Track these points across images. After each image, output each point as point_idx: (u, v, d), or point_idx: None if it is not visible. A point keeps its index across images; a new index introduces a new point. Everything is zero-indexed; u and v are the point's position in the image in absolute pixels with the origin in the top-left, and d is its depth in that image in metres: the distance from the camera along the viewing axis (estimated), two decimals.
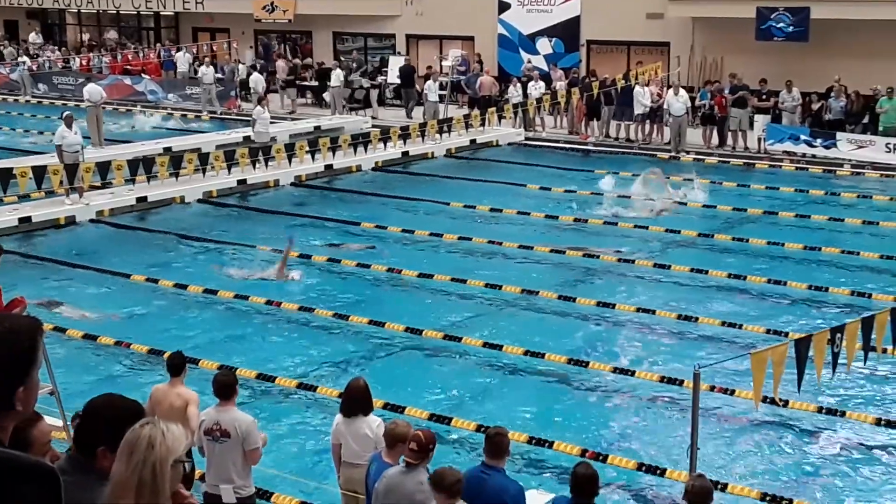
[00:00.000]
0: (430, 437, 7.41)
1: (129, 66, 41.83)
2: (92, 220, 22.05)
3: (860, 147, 26.86)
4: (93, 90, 29.15)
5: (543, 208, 22.45)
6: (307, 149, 25.89)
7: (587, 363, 13.80)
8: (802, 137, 27.58)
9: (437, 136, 28.68)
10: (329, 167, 26.55)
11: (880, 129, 27.27)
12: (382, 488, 7.37)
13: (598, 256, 18.80)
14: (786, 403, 12.04)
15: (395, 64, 36.72)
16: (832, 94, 28.25)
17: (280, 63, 38.00)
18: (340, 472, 8.75)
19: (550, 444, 11.48)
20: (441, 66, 35.44)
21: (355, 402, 8.57)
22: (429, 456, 7.34)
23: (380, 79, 37.09)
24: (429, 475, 7.19)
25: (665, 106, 28.39)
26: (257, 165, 25.00)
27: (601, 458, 11.18)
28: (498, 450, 7.56)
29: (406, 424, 7.88)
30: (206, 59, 38.80)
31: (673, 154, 28.23)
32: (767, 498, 10.43)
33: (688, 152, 28.21)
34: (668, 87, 29.54)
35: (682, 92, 28.33)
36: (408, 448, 7.37)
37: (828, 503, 10.34)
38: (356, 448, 8.44)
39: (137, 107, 36.81)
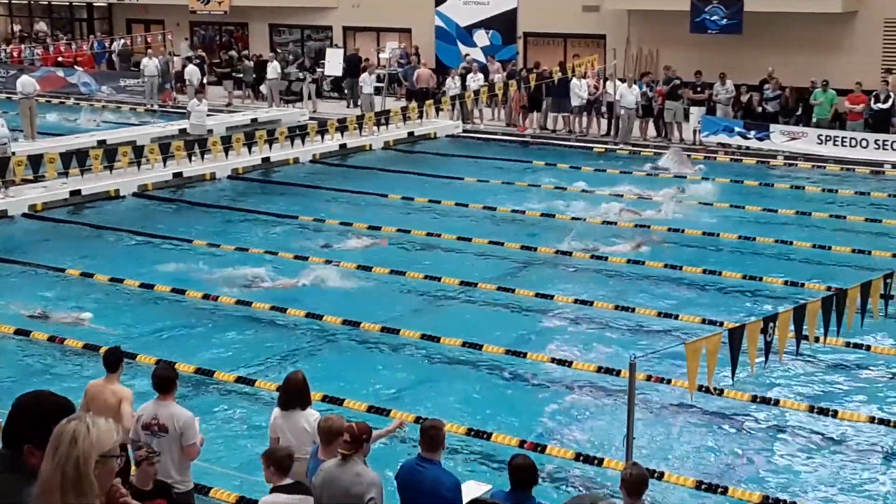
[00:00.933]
0: (362, 428, 7.40)
1: (61, 58, 41.23)
2: (25, 215, 21.72)
3: (793, 139, 27.23)
4: (26, 82, 28.72)
5: (482, 200, 22.49)
6: (244, 141, 25.71)
7: (525, 354, 13.85)
8: (736, 129, 27.90)
9: (375, 128, 28.58)
10: (266, 160, 26.38)
11: (813, 120, 27.69)
12: (319, 482, 7.34)
13: (535, 249, 18.87)
14: (721, 392, 12.17)
15: (333, 56, 36.57)
16: (766, 86, 28.59)
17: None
18: None
19: (489, 436, 11.51)
20: (378, 59, 35.38)
21: (293, 395, 8.54)
22: (363, 447, 7.32)
23: (318, 71, 36.88)
24: (365, 465, 7.20)
25: (617, 98, 28.43)
26: (193, 158, 24.77)
27: (539, 448, 11.24)
28: (433, 442, 7.56)
29: (339, 419, 7.86)
30: (149, 52, 38.32)
31: (611, 146, 28.39)
32: (703, 486, 10.55)
33: (626, 143, 28.37)
34: (606, 79, 29.74)
35: (635, 86, 28.44)
36: (341, 440, 7.35)
37: (762, 490, 10.46)
38: (294, 442, 8.40)
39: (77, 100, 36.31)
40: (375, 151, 28.58)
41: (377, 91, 32.54)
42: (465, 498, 7.55)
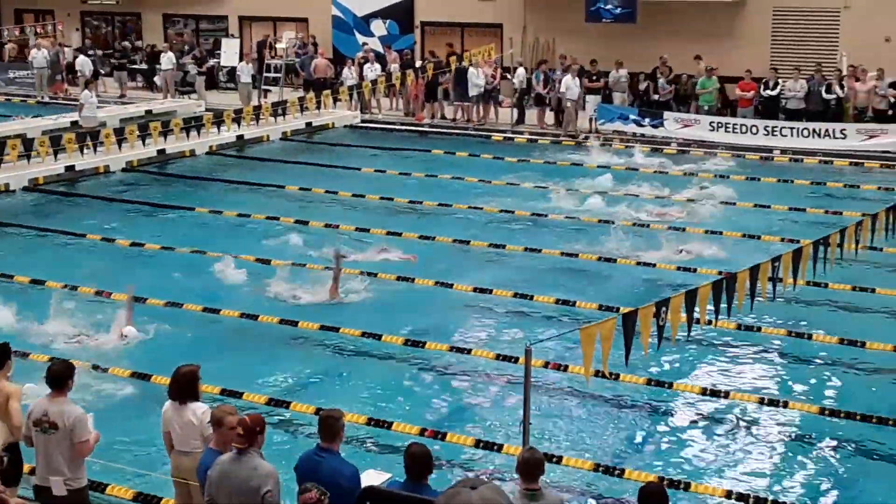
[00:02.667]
0: (256, 420, 7.36)
1: None
2: None
3: (686, 126, 27.73)
4: None
5: (380, 190, 22.47)
6: (138, 133, 25.32)
7: (424, 343, 13.90)
8: (631, 117, 28.32)
9: (254, 121, 28.20)
10: (161, 152, 26.01)
11: (703, 108, 28.21)
12: (216, 477, 7.29)
13: (434, 238, 18.93)
14: (616, 377, 12.36)
15: (229, 46, 36.15)
16: (659, 74, 29.05)
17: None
18: (171, 459, 8.63)
19: (389, 425, 11.54)
20: (276, 49, 35.12)
21: (181, 388, 8.45)
22: (258, 439, 7.29)
23: (212, 61, 36.42)
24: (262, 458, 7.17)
25: (563, 89, 28.48)
26: (86, 151, 24.31)
27: (440, 436, 11.31)
28: (331, 432, 7.56)
29: (228, 408, 7.81)
30: (39, 43, 37.40)
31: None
32: (600, 468, 10.72)
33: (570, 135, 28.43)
34: (504, 68, 29.91)
35: (577, 77, 28.50)
36: (235, 433, 7.31)
37: (658, 472, 10.66)
38: (182, 435, 8.33)
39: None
40: (273, 142, 28.37)
41: (253, 81, 32.21)
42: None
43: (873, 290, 15.57)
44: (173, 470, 8.58)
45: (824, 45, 29.51)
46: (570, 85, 28.19)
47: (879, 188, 22.70)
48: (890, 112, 26.41)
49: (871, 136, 25.89)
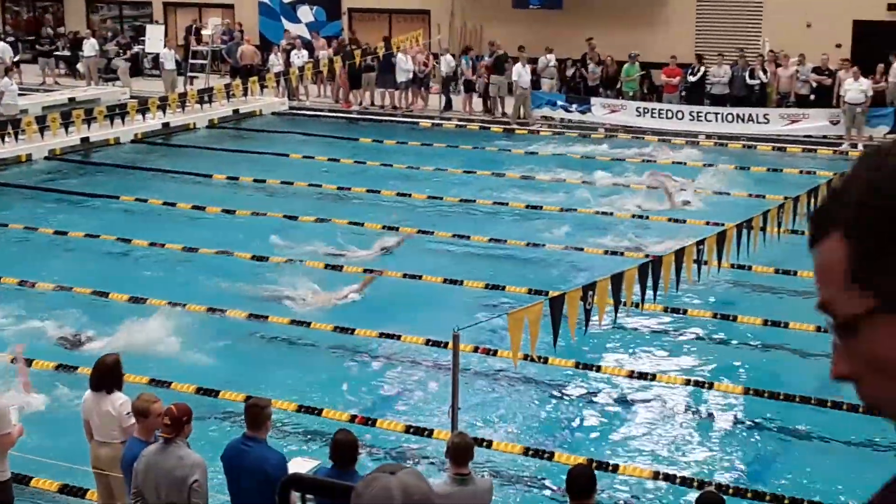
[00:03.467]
0: (182, 409, 7.31)
1: None
2: None
3: (613, 111, 27.94)
4: None
5: (308, 177, 22.36)
6: (61, 121, 24.92)
7: (353, 330, 13.88)
8: (559, 103, 28.46)
9: (180, 109, 27.85)
10: (85, 140, 25.62)
11: (628, 94, 28.47)
12: (142, 467, 7.23)
13: (362, 224, 18.89)
14: (545, 360, 12.45)
15: (153, 33, 35.67)
16: (589, 59, 29.23)
17: None
18: (90, 450, 8.55)
19: (319, 412, 11.52)
20: (202, 35, 34.73)
21: (101, 377, 8.37)
22: (184, 429, 7.24)
23: (136, 48, 35.92)
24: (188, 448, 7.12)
25: (515, 78, 28.45)
26: (6, 139, 23.87)
27: (370, 422, 11.33)
28: (256, 421, 7.54)
29: (150, 397, 7.76)
30: None
31: (437, 121, 28.51)
32: (530, 452, 10.81)
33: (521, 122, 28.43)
34: (434, 54, 29.86)
35: (528, 65, 28.45)
36: (161, 423, 7.25)
37: (586, 454, 10.76)
38: (101, 425, 8.26)
39: None
40: (200, 130, 28.08)
41: (177, 67, 31.82)
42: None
43: (795, 273, 15.84)
44: (93, 460, 8.50)
45: (747, 31, 29.89)
46: (520, 72, 28.20)
47: (801, 172, 23.06)
48: (812, 97, 26.84)
49: (793, 121, 26.31)
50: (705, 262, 12.32)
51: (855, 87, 25.09)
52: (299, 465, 8.13)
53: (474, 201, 20.63)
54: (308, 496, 4.25)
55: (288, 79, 30.39)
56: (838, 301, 1.29)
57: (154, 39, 35.16)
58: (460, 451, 7.18)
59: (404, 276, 16.08)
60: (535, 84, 29.23)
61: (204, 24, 36.05)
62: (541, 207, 20.03)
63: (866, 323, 1.27)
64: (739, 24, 30.12)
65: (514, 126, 27.86)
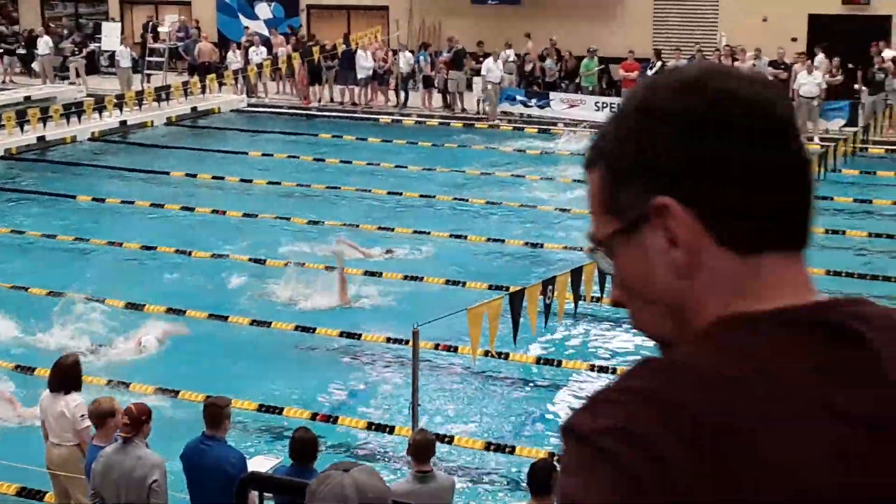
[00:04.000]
0: (141, 409, 7.28)
1: None
2: None
3: (572, 106, 28.02)
4: None
5: (267, 175, 22.27)
6: (16, 120, 24.66)
7: (314, 329, 13.85)
8: (518, 98, 28.50)
9: (137, 106, 27.61)
10: (42, 139, 25.37)
11: (587, 88, 28.57)
12: (100, 468, 7.18)
13: (322, 222, 18.84)
14: (506, 356, 12.47)
15: (110, 30, 35.36)
16: (546, 55, 29.29)
17: None
18: (45, 451, 8.49)
19: (280, 410, 11.49)
20: (158, 33, 34.47)
21: (59, 378, 8.32)
22: (143, 429, 7.20)
23: (93, 46, 35.59)
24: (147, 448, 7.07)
25: (483, 73, 28.39)
26: None
27: (331, 420, 11.32)
28: (215, 420, 7.51)
29: (109, 399, 7.71)
30: None
31: (397, 117, 28.45)
32: (492, 447, 10.83)
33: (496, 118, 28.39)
34: (394, 50, 29.81)
35: (499, 60, 28.40)
36: (121, 423, 7.21)
37: (548, 448, 10.79)
38: (55, 427, 8.21)
39: None
40: (157, 128, 27.89)
41: (134, 65, 31.58)
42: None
43: None
44: (47, 462, 8.44)
45: (704, 25, 30.08)
46: (491, 68, 28.16)
47: None
48: None
49: None
50: None
51: (810, 81, 25.30)
52: (259, 464, 8.10)
53: (434, 197, 20.63)
54: (266, 494, 4.24)
55: (246, 76, 30.24)
56: (598, 227, 1.41)
57: (110, 37, 34.87)
58: (421, 449, 7.19)
59: (365, 272, 16.05)
60: None
61: (161, 22, 35.78)
62: (501, 203, 20.06)
63: (617, 246, 1.38)
64: (696, 19, 30.31)
65: (475, 121, 27.87)
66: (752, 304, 1.30)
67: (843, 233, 17.78)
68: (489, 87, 28.23)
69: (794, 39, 28.31)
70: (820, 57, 26.50)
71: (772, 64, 27.14)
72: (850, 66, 26.40)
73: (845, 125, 25.20)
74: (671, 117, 1.34)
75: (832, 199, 19.71)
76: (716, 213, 1.32)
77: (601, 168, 1.40)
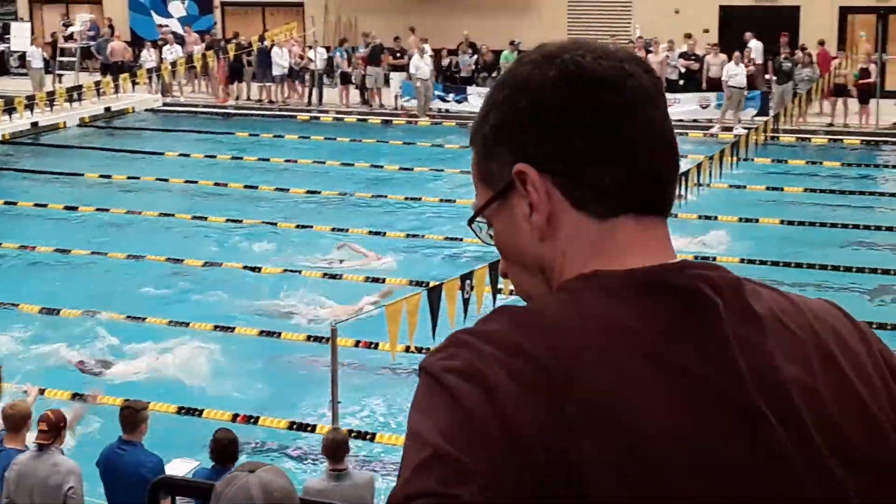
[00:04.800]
0: (59, 415, 7.18)
1: None
2: None
3: None
4: None
5: (183, 174, 22.04)
6: None
7: (233, 329, 13.75)
8: (436, 93, 28.53)
9: (49, 108, 27.14)
10: None
11: None
12: (14, 476, 7.06)
13: (241, 221, 18.70)
14: (427, 351, 12.46)
15: (19, 30, 34.71)
16: (461, 51, 29.37)
17: None
18: None
19: (200, 412, 11.39)
20: (70, 32, 33.91)
21: None
22: (61, 435, 7.10)
23: (2, 46, 34.90)
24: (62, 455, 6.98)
25: (412, 69, 28.26)
26: None
27: (252, 420, 11.25)
28: (130, 424, 7.43)
29: (25, 403, 7.58)
30: None
31: (315, 114, 28.31)
32: None
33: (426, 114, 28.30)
34: (310, 47, 29.68)
35: (426, 55, 28.25)
36: (38, 429, 7.10)
37: None
38: None
39: None
40: (70, 129, 27.44)
41: (45, 66, 31.00)
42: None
43: None
44: None
45: (618, 17, 30.40)
46: (419, 65, 28.09)
47: None
48: (681, 82, 27.41)
49: None
50: None
51: (740, 72, 25.63)
52: (177, 467, 8.03)
53: (353, 194, 20.58)
54: (179, 498, 4.21)
55: (160, 75, 29.87)
56: (477, 200, 1.49)
57: (20, 37, 34.22)
58: (334, 447, 7.17)
59: (284, 271, 15.97)
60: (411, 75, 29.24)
61: (72, 21, 35.21)
62: (420, 199, 20.08)
63: (491, 215, 1.47)
64: (610, 11, 30.62)
65: (393, 117, 27.86)
66: (609, 264, 1.37)
67: (757, 220, 18.11)
68: (418, 83, 28.19)
69: (706, 31, 28.74)
70: (755, 43, 26.95)
71: (682, 56, 27.52)
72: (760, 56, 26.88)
73: (757, 115, 25.65)
74: (530, 87, 1.42)
75: (745, 187, 20.07)
76: (571, 178, 1.40)
77: (475, 141, 1.49)
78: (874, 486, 1.32)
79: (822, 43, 26.94)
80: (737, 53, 26.11)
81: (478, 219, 1.50)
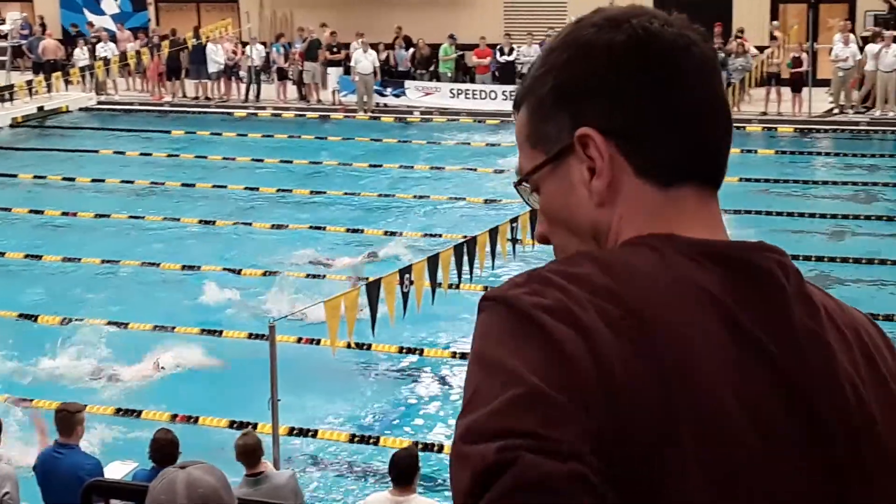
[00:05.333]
0: None
1: None
2: None
3: (427, 94, 28.11)
4: None
5: (120, 174, 21.80)
6: None
7: (174, 328, 13.65)
8: (373, 87, 28.44)
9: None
10: None
11: (446, 74, 28.70)
12: None
13: (178, 220, 18.55)
14: (367, 346, 12.48)
15: None
16: (397, 45, 29.32)
17: None
18: None
19: (138, 414, 11.30)
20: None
21: None
22: None
23: None
24: None
25: (352, 64, 28.04)
26: None
27: (192, 420, 11.18)
28: (66, 426, 7.36)
29: None
30: None
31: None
32: (356, 438, 10.85)
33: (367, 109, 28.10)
34: (246, 43, 29.46)
35: (371, 50, 28.04)
36: None
37: (412, 437, 10.87)
38: None
39: None
40: (2, 129, 27.04)
41: None
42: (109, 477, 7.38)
43: None
44: None
45: (554, 9, 30.49)
46: (359, 59, 27.94)
47: None
48: None
49: None
50: (519, 240, 12.54)
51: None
52: (116, 469, 7.96)
53: (291, 191, 20.48)
54: (114, 500, 4.18)
55: (94, 73, 29.51)
56: (524, 161, 1.47)
57: None
58: (246, 452, 7.13)
59: (223, 269, 15.87)
60: (348, 70, 29.13)
61: (2, 19, 34.66)
62: (359, 194, 20.04)
63: (542, 179, 1.44)
64: (546, 5, 30.72)
65: (330, 112, 27.75)
66: (669, 232, 1.36)
67: None
68: (357, 78, 28.06)
69: None
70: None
71: None
72: None
73: None
74: (595, 51, 1.40)
75: None
76: (635, 145, 1.38)
77: (528, 103, 1.45)
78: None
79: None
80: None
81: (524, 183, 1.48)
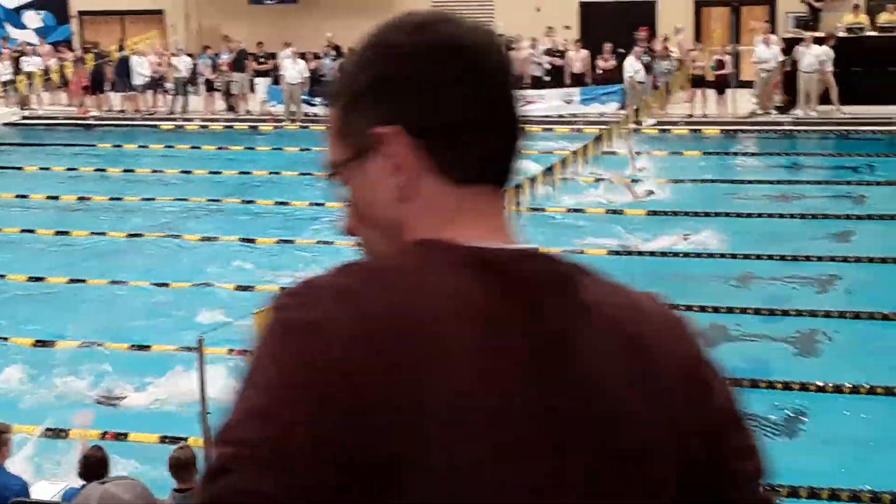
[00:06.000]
0: None
1: None
2: None
3: None
4: None
5: (45, 189, 21.49)
6: None
7: (102, 343, 13.46)
8: (303, 97, 28.36)
9: None
10: None
11: None
12: None
13: (105, 234, 18.33)
14: None
15: None
16: (323, 53, 29.25)
17: None
18: None
19: (66, 433, 11.13)
20: None
21: None
22: None
23: None
24: None
25: (282, 72, 27.80)
26: None
27: (121, 437, 11.03)
28: None
29: None
30: None
31: (180, 122, 27.88)
32: None
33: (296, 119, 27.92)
34: (173, 55, 29.22)
35: (300, 60, 27.79)
36: None
37: None
38: None
39: None
40: None
41: None
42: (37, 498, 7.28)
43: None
44: None
45: (480, 16, 30.55)
46: (288, 67, 27.80)
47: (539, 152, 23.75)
48: (547, 78, 27.81)
49: (529, 102, 27.15)
50: None
51: (640, 67, 26.02)
52: (44, 489, 7.83)
53: (221, 201, 20.34)
54: None
55: (17, 88, 29.07)
56: (334, 156, 1.53)
57: None
58: (181, 465, 7.05)
59: (152, 284, 15.69)
60: (276, 80, 29.02)
61: None
62: (290, 204, 19.95)
63: (350, 173, 1.50)
64: (473, 11, 30.81)
65: (259, 123, 27.63)
66: (461, 231, 1.43)
67: (622, 213, 18.44)
68: (286, 87, 27.95)
69: (567, 27, 29.19)
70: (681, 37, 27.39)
71: (548, 52, 27.92)
72: (621, 50, 27.38)
73: (620, 108, 26.14)
74: (399, 54, 1.47)
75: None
76: (439, 144, 1.44)
77: (340, 99, 1.52)
78: (622, 474, 1.39)
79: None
80: (636, 48, 26.34)
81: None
